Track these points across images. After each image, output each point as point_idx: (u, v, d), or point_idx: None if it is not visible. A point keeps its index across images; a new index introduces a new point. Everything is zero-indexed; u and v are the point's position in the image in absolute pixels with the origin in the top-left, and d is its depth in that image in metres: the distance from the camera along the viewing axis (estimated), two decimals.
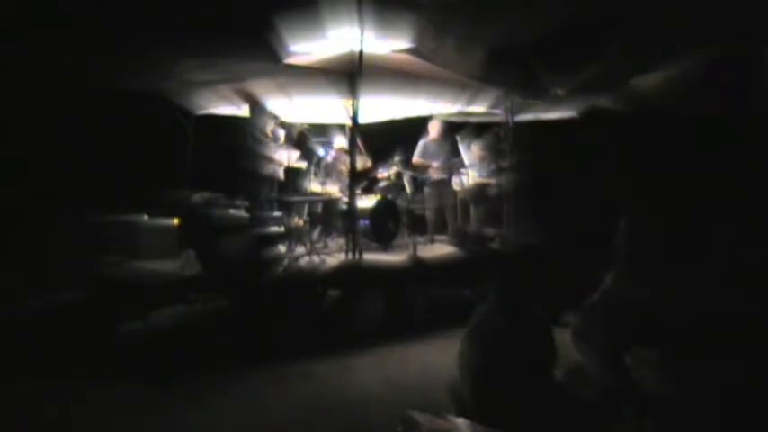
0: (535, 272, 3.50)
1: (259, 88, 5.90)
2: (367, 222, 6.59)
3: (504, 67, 6.36)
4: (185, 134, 7.13)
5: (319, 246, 6.37)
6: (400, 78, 6.17)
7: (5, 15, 4.76)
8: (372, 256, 6.03)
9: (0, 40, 4.76)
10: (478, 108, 6.92)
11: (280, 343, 4.84)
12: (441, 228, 7.56)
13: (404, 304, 5.75)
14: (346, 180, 6.45)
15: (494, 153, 7.15)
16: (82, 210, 6.14)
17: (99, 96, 6.29)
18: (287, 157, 6.30)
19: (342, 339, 4.97)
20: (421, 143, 7.58)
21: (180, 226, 6.08)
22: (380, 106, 6.86)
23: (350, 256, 5.71)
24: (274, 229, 5.98)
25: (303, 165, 6.65)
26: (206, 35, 5.06)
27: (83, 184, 6.71)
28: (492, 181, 7.18)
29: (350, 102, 5.68)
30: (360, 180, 6.82)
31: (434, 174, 7.45)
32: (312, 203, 6.89)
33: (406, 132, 7.79)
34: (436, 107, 7.09)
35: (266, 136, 6.02)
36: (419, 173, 7.56)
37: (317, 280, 5.61)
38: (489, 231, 6.74)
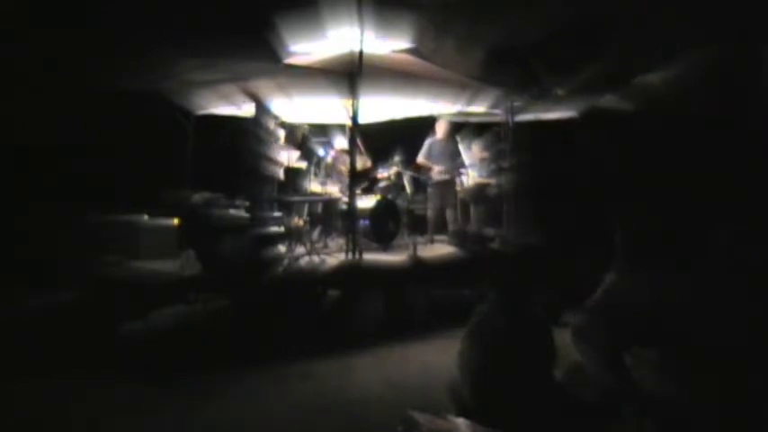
0: (535, 272, 3.50)
1: (259, 88, 5.90)
2: (367, 222, 6.59)
3: (504, 67, 6.36)
4: (185, 134, 7.13)
5: (319, 246, 6.37)
6: (400, 78, 6.17)
7: (5, 15, 4.75)
8: (372, 256, 6.04)
9: (0, 40, 4.76)
10: (478, 108, 6.93)
11: (280, 343, 4.84)
12: (441, 228, 7.56)
13: (404, 304, 5.76)
14: (346, 180, 6.45)
15: (494, 153, 7.16)
16: (82, 210, 6.14)
17: (99, 96, 6.29)
18: (287, 157, 6.30)
19: (342, 339, 4.97)
20: (427, 143, 7.58)
21: (180, 226, 6.08)
22: (380, 106, 6.86)
23: (350, 256, 5.71)
24: (274, 229, 5.98)
25: (303, 165, 6.65)
26: (206, 35, 5.06)
27: (83, 184, 6.71)
28: (492, 181, 7.18)
29: (350, 102, 5.68)
30: (360, 180, 6.82)
31: (438, 174, 7.46)
32: (312, 203, 6.89)
33: (406, 132, 7.80)
34: (436, 107, 7.09)
35: (270, 135, 6.02)
36: (422, 173, 7.57)
37: (317, 280, 5.61)
38: (489, 231, 6.74)
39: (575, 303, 3.34)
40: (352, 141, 6.09)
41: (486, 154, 7.33)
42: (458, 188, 7.50)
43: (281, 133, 6.39)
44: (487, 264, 5.86)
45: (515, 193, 6.78)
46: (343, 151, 7.10)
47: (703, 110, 3.07)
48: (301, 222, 6.51)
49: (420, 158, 7.57)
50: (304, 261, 5.81)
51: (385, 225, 6.73)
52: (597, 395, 2.87)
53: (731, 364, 2.49)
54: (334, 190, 6.90)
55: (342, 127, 7.11)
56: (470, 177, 7.47)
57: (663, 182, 3.07)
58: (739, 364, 2.48)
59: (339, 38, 6.08)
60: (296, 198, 6.55)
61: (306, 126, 6.88)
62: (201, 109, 7.14)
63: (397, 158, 7.40)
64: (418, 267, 5.97)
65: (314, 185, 6.73)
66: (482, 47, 6.37)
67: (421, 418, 2.48)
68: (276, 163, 6.14)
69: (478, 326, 3.00)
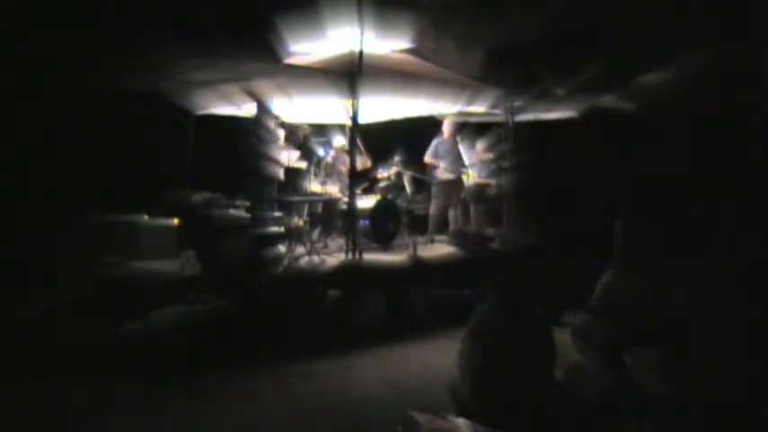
0: (535, 272, 3.50)
1: (259, 88, 5.90)
2: (367, 222, 6.59)
3: (504, 67, 6.36)
4: (185, 134, 7.13)
5: (319, 246, 6.37)
6: (400, 78, 6.17)
7: (5, 15, 4.76)
8: (372, 256, 6.03)
9: (0, 40, 4.76)
10: (478, 108, 6.92)
11: (280, 343, 4.84)
12: (443, 227, 7.56)
13: (404, 304, 5.76)
14: (346, 180, 6.45)
15: (497, 153, 7.17)
16: (82, 210, 6.14)
17: (99, 96, 6.29)
18: (287, 157, 6.30)
19: (342, 339, 4.97)
20: (434, 143, 7.58)
21: (180, 226, 6.08)
22: (380, 106, 6.86)
23: (350, 256, 5.71)
24: (274, 229, 5.98)
25: (303, 165, 6.65)
26: (206, 35, 5.06)
27: (83, 184, 6.71)
28: (492, 181, 7.19)
29: (350, 102, 5.67)
30: (360, 180, 6.82)
31: (443, 174, 7.47)
32: (312, 203, 6.89)
33: (406, 132, 7.80)
34: (436, 107, 7.09)
35: (270, 135, 6.02)
36: (427, 172, 7.58)
37: (317, 280, 5.61)
38: (489, 231, 6.74)
39: (575, 303, 3.35)
40: (352, 141, 6.09)
41: (489, 154, 7.34)
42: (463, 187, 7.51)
43: (282, 133, 6.38)
44: (487, 264, 5.87)
45: (516, 193, 6.79)
46: (343, 151, 7.10)
47: (703, 110, 3.07)
48: (301, 222, 6.51)
49: (427, 158, 7.58)
50: (304, 261, 5.81)
51: (385, 225, 6.73)
52: (597, 395, 2.87)
53: (731, 363, 2.49)
54: (334, 190, 6.90)
55: (342, 127, 7.11)
56: (471, 177, 7.47)
57: (663, 182, 3.07)
58: (739, 363, 2.49)
59: (339, 38, 6.08)
60: (296, 198, 6.55)
61: (306, 126, 6.88)
62: (201, 109, 7.13)
63: (397, 158, 7.40)
64: (418, 267, 5.97)
65: (314, 185, 6.73)
66: (482, 47, 6.37)
67: (421, 418, 2.48)
68: (276, 163, 6.14)
69: (478, 326, 3.00)
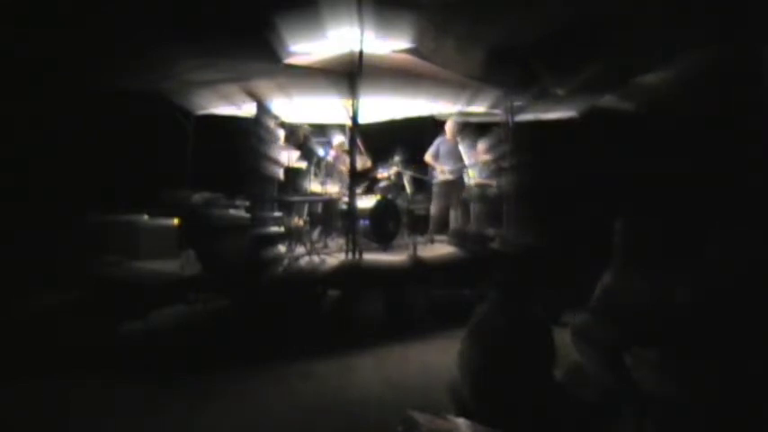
0: (535, 272, 3.50)
1: (259, 88, 5.90)
2: (367, 222, 6.59)
3: (504, 67, 6.36)
4: (185, 134, 7.13)
5: (319, 246, 6.37)
6: (400, 78, 6.17)
7: (5, 15, 4.75)
8: (372, 256, 6.03)
9: (0, 41, 4.76)
10: (478, 108, 6.92)
11: (280, 343, 4.84)
12: (443, 227, 7.56)
13: (404, 304, 5.76)
14: (346, 180, 6.45)
15: (495, 153, 7.16)
16: (82, 210, 6.14)
17: (99, 96, 6.29)
18: (287, 157, 6.30)
19: (342, 339, 4.97)
20: (436, 142, 7.58)
21: (180, 226, 6.08)
22: (380, 106, 6.86)
23: (350, 256, 5.71)
24: (274, 229, 5.98)
25: (303, 165, 6.66)
26: (206, 35, 5.06)
27: (83, 184, 6.71)
28: (492, 181, 7.19)
29: (350, 102, 5.68)
30: (360, 180, 6.82)
31: (443, 174, 7.47)
32: (312, 203, 6.89)
33: (406, 132, 7.80)
34: (436, 107, 7.09)
35: (270, 135, 6.02)
36: (426, 172, 7.58)
37: (317, 280, 5.61)
38: (489, 231, 6.74)
39: (575, 303, 3.35)
40: (352, 141, 6.09)
41: (489, 155, 7.34)
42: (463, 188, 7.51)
43: (282, 133, 6.39)
44: (487, 264, 5.87)
45: (516, 193, 6.78)
46: (343, 151, 7.10)
47: (703, 110, 3.07)
48: (301, 222, 6.51)
49: (427, 157, 7.58)
50: (304, 261, 5.81)
51: (385, 225, 6.73)
52: (597, 395, 2.87)
53: (731, 363, 2.49)
54: (334, 190, 6.90)
55: (342, 127, 7.11)
56: (471, 177, 7.47)
57: (663, 182, 3.07)
58: (739, 363, 2.48)
59: (339, 38, 6.08)
60: (296, 198, 6.55)
61: (306, 126, 6.88)
62: (201, 109, 7.14)
63: (397, 158, 7.40)
64: (418, 267, 5.97)
65: (314, 185, 6.73)
66: (482, 47, 6.37)
67: (421, 418, 2.48)
68: (276, 163, 6.14)
69: (478, 326, 3.00)
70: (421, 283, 5.93)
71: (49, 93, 6.20)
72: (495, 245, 6.50)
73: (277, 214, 6.14)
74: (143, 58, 5.20)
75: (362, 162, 7.07)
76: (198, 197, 5.64)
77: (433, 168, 7.56)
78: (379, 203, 6.71)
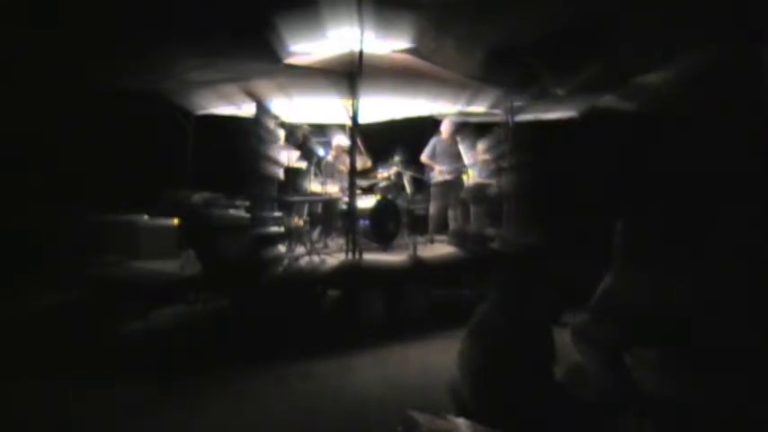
0: (535, 272, 3.50)
1: (259, 88, 5.90)
2: (367, 222, 6.59)
3: (504, 67, 6.35)
4: (185, 134, 7.13)
5: (319, 246, 6.37)
6: (400, 78, 6.18)
7: (5, 15, 4.75)
8: (372, 256, 6.03)
9: (0, 40, 4.76)
10: (478, 108, 6.92)
11: (280, 343, 4.84)
12: (442, 228, 7.56)
13: (404, 304, 5.75)
14: (346, 180, 6.45)
15: (495, 153, 7.16)
16: (82, 210, 6.14)
17: (99, 96, 6.29)
18: (287, 157, 6.31)
19: (342, 339, 4.97)
20: (432, 142, 7.58)
21: (180, 226, 6.08)
22: (380, 106, 6.86)
23: (350, 256, 5.71)
24: (274, 229, 5.98)
25: (303, 165, 6.66)
26: (206, 35, 5.06)
27: (83, 184, 6.71)
28: (492, 181, 7.18)
29: (350, 102, 5.67)
30: (360, 180, 6.82)
31: (441, 174, 7.46)
32: (312, 203, 6.89)
33: (406, 132, 7.80)
34: (436, 107, 7.09)
35: (270, 135, 6.02)
36: (423, 172, 7.57)
37: (317, 280, 5.61)
38: (489, 231, 6.74)
39: (575, 303, 3.35)
40: (352, 141, 6.09)
41: (488, 155, 7.33)
42: (460, 188, 7.50)
43: (281, 133, 6.39)
44: (487, 264, 5.86)
45: (516, 193, 6.78)
46: (343, 151, 7.10)
47: (703, 110, 3.07)
48: (301, 222, 6.51)
49: (423, 157, 7.57)
50: (304, 261, 5.81)
51: (385, 225, 6.73)
52: (597, 395, 2.86)
53: (731, 363, 2.48)
54: (334, 190, 6.90)
55: (342, 127, 7.11)
56: (471, 177, 7.47)
57: (663, 182, 3.07)
58: (740, 363, 2.48)
59: (339, 38, 6.08)
60: (296, 198, 6.55)
61: (306, 126, 6.88)
62: (201, 109, 7.14)
63: (397, 158, 7.40)
64: (418, 267, 5.97)
65: (314, 185, 6.73)
66: (482, 47, 6.36)
67: (421, 418, 2.48)
68: (276, 163, 6.14)
69: (478, 326, 3.00)
70: (421, 283, 5.93)
71: (49, 93, 6.20)
72: (495, 245, 6.50)
73: (277, 214, 6.14)
74: (143, 58, 5.20)
75: (362, 162, 7.07)
76: (198, 197, 5.64)
77: (431, 168, 7.56)
78: (379, 203, 6.71)
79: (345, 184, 6.54)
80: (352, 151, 6.04)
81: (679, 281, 2.73)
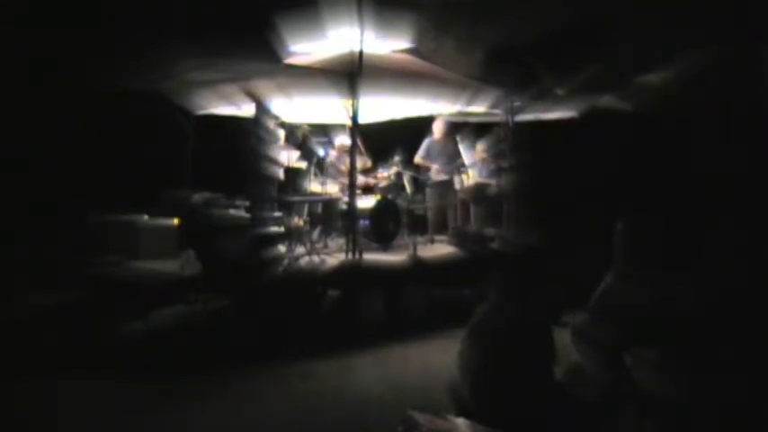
0: (535, 272, 3.50)
1: (259, 88, 5.90)
2: (367, 222, 6.59)
3: (504, 67, 6.35)
4: (185, 134, 7.13)
5: (319, 246, 6.37)
6: (400, 78, 6.17)
7: (5, 15, 4.76)
8: (372, 256, 6.03)
9: (1, 40, 4.76)
10: (478, 108, 6.92)
11: (280, 343, 4.84)
12: (441, 228, 7.56)
13: (404, 304, 5.75)
14: (346, 180, 6.45)
15: (495, 153, 7.16)
16: (82, 210, 6.13)
17: (99, 96, 6.29)
18: (287, 157, 6.31)
19: (342, 339, 4.97)
20: (424, 143, 7.57)
21: (180, 226, 6.08)
22: (380, 106, 6.86)
23: (350, 256, 5.71)
24: (274, 229, 5.98)
25: (303, 165, 6.65)
26: (206, 35, 5.06)
27: (83, 184, 6.71)
28: (492, 181, 7.18)
29: (350, 102, 5.67)
30: (361, 179, 6.83)
31: (436, 174, 7.46)
32: (312, 203, 6.89)
33: (406, 132, 7.79)
34: (436, 107, 7.09)
35: (270, 135, 6.02)
36: (420, 173, 7.57)
37: (317, 280, 5.60)
38: (489, 231, 6.74)
39: (575, 303, 3.35)
40: (352, 141, 6.09)
41: (489, 155, 7.33)
42: (457, 188, 7.49)
43: (281, 133, 6.38)
44: (487, 264, 5.86)
45: (516, 193, 6.78)
46: (343, 151, 7.10)
47: (703, 110, 3.07)
48: (301, 222, 6.51)
49: (417, 158, 7.57)
50: (304, 261, 5.81)
51: (385, 225, 6.73)
52: (597, 395, 2.86)
53: (731, 363, 2.48)
54: (334, 190, 6.90)
55: (342, 127, 7.10)
56: (471, 177, 7.46)
57: (663, 182, 3.07)
58: (740, 363, 2.48)
59: (339, 38, 6.08)
60: (296, 198, 6.55)
61: (306, 126, 6.88)
62: (201, 109, 7.13)
63: (397, 158, 7.40)
64: (418, 267, 5.97)
65: (314, 185, 6.73)
66: (482, 47, 6.36)
67: (421, 418, 2.47)
68: (276, 163, 6.14)
69: (478, 326, 3.00)
70: (421, 283, 5.93)
71: (49, 93, 6.19)
72: (495, 245, 6.50)
73: (277, 214, 6.13)
74: (143, 58, 5.20)
75: (362, 162, 7.07)
76: (198, 197, 5.63)
77: (428, 169, 7.55)
78: (379, 203, 6.71)
79: (345, 185, 6.54)
80: (352, 151, 6.04)
81: (679, 281, 2.73)
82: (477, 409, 2.73)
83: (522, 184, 6.73)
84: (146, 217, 6.31)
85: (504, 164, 6.96)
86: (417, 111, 7.31)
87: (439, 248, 6.86)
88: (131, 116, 6.93)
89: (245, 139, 5.88)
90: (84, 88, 6.05)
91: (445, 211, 7.63)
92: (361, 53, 5.58)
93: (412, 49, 6.70)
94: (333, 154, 7.17)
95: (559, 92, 6.49)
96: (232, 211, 5.68)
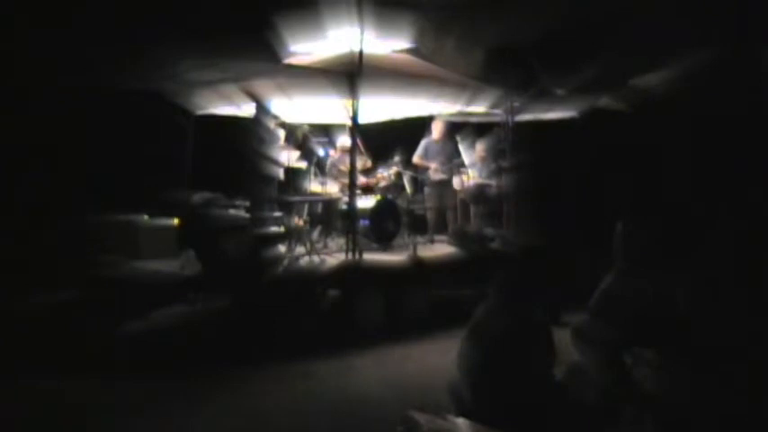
0: (535, 272, 3.50)
1: (259, 88, 5.90)
2: (367, 222, 6.59)
3: (504, 67, 6.36)
4: (185, 134, 7.13)
5: (319, 246, 6.37)
6: (400, 78, 6.17)
7: (5, 15, 4.75)
8: (372, 256, 6.03)
9: (0, 40, 4.76)
10: (478, 108, 6.92)
11: (280, 343, 4.84)
12: (441, 228, 7.56)
13: (404, 304, 5.75)
14: (346, 180, 6.45)
15: (495, 153, 7.16)
16: (82, 210, 6.13)
17: (99, 96, 6.29)
18: (287, 157, 6.31)
19: (342, 339, 4.97)
20: (423, 143, 7.57)
21: (180, 226, 6.08)
22: (380, 106, 6.86)
23: (350, 256, 5.71)
24: (274, 229, 5.98)
25: (303, 165, 6.65)
26: (206, 35, 5.06)
27: (83, 184, 6.71)
28: (492, 181, 7.18)
29: (350, 102, 5.67)
30: (361, 179, 6.83)
31: (435, 174, 7.45)
32: (312, 203, 6.89)
33: (406, 132, 7.80)
34: (436, 107, 7.09)
35: (270, 135, 6.02)
36: (419, 173, 7.57)
37: (316, 280, 5.61)
38: (489, 231, 6.74)
39: (575, 303, 3.35)
40: (352, 141, 6.09)
41: (488, 154, 7.33)
42: (456, 188, 7.49)
43: (281, 133, 6.38)
44: (487, 264, 5.87)
45: (516, 193, 6.78)
46: (344, 151, 7.10)
47: (703, 110, 3.07)
48: (301, 222, 6.51)
49: (415, 158, 7.57)
50: (304, 261, 5.81)
51: (385, 225, 6.73)
52: (597, 395, 2.87)
53: (731, 363, 2.49)
54: (334, 190, 6.90)
55: (342, 127, 7.10)
56: (471, 177, 7.46)
57: (663, 182, 3.07)
58: (739, 363, 2.49)
59: (339, 38, 6.07)
60: (296, 198, 6.55)
61: (306, 126, 6.88)
62: (201, 109, 7.13)
63: (397, 158, 7.40)
64: (418, 267, 5.97)
65: (314, 185, 6.73)
66: (482, 47, 6.37)
67: (421, 418, 2.47)
68: (276, 163, 6.14)
69: (478, 326, 3.00)
70: (421, 283, 5.93)
71: (49, 93, 6.19)
72: (495, 245, 6.50)
73: (277, 214, 6.13)
74: (143, 58, 5.20)
75: (362, 162, 7.07)
76: (198, 197, 5.63)
77: (426, 169, 7.55)
78: (379, 203, 6.71)
79: (345, 184, 6.53)
80: (352, 151, 6.04)
81: (679, 281, 2.74)
82: (477, 409, 2.73)
83: (522, 184, 6.73)
84: (146, 217, 6.31)
85: (504, 164, 6.96)
86: (417, 111, 7.31)
87: (439, 248, 6.86)
88: (131, 116, 6.92)
89: (245, 139, 5.87)
90: (84, 88, 6.05)
91: (443, 210, 7.62)
92: (361, 53, 5.58)
93: (412, 49, 6.69)
94: (333, 154, 7.17)
95: (559, 92, 6.49)
96: (232, 211, 5.68)
